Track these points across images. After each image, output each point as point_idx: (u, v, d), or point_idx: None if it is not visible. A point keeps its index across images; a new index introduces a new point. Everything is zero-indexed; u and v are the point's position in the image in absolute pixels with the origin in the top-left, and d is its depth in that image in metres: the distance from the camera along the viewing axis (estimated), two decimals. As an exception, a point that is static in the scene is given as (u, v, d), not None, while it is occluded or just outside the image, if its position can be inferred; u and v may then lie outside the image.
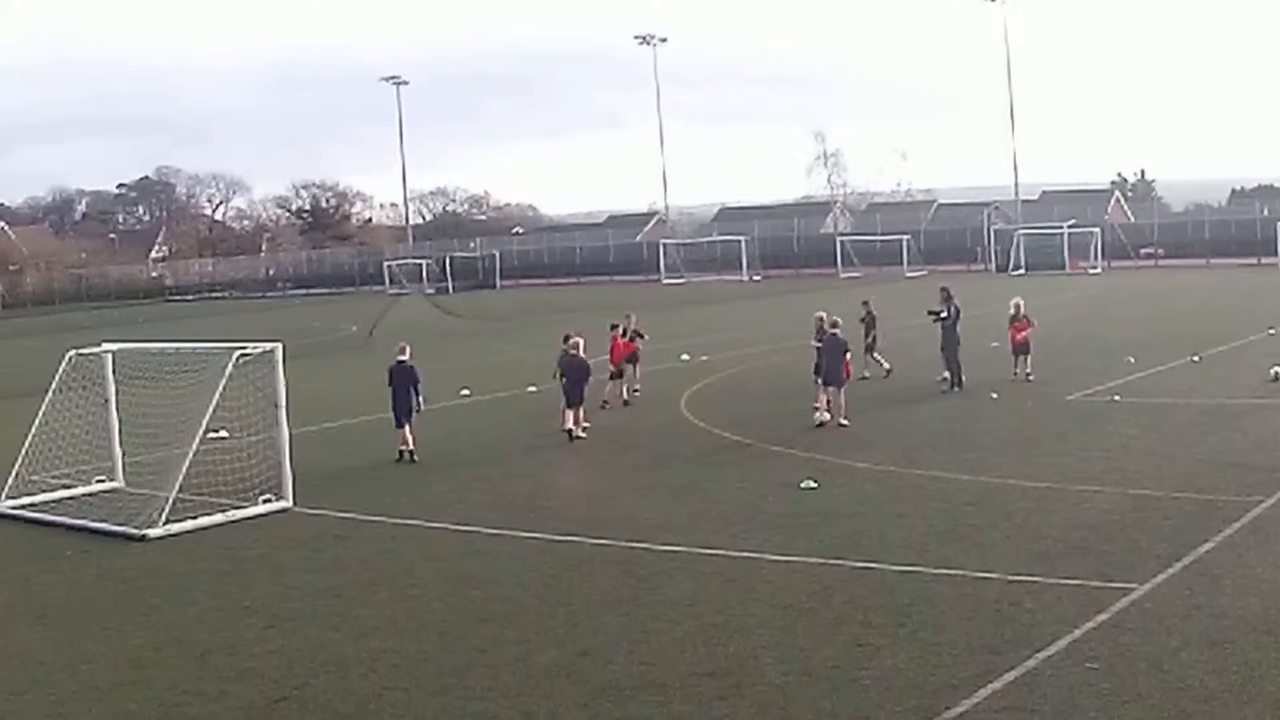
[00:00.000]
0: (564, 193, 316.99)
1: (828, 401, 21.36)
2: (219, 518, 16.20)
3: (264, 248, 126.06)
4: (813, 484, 16.43)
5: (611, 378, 24.87)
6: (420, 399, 20.24)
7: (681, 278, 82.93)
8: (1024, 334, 25.28)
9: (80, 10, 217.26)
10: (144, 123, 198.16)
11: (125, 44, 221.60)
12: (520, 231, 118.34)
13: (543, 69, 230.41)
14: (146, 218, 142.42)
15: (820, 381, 21.60)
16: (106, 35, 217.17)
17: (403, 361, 20.30)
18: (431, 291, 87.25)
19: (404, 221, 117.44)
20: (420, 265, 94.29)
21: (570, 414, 21.41)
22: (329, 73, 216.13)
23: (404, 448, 20.06)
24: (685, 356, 31.55)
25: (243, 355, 16.74)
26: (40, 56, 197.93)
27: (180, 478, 16.00)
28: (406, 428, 20.08)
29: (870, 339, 26.63)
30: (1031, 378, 24.80)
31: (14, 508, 17.60)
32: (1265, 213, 73.61)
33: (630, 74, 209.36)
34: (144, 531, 15.52)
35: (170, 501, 15.75)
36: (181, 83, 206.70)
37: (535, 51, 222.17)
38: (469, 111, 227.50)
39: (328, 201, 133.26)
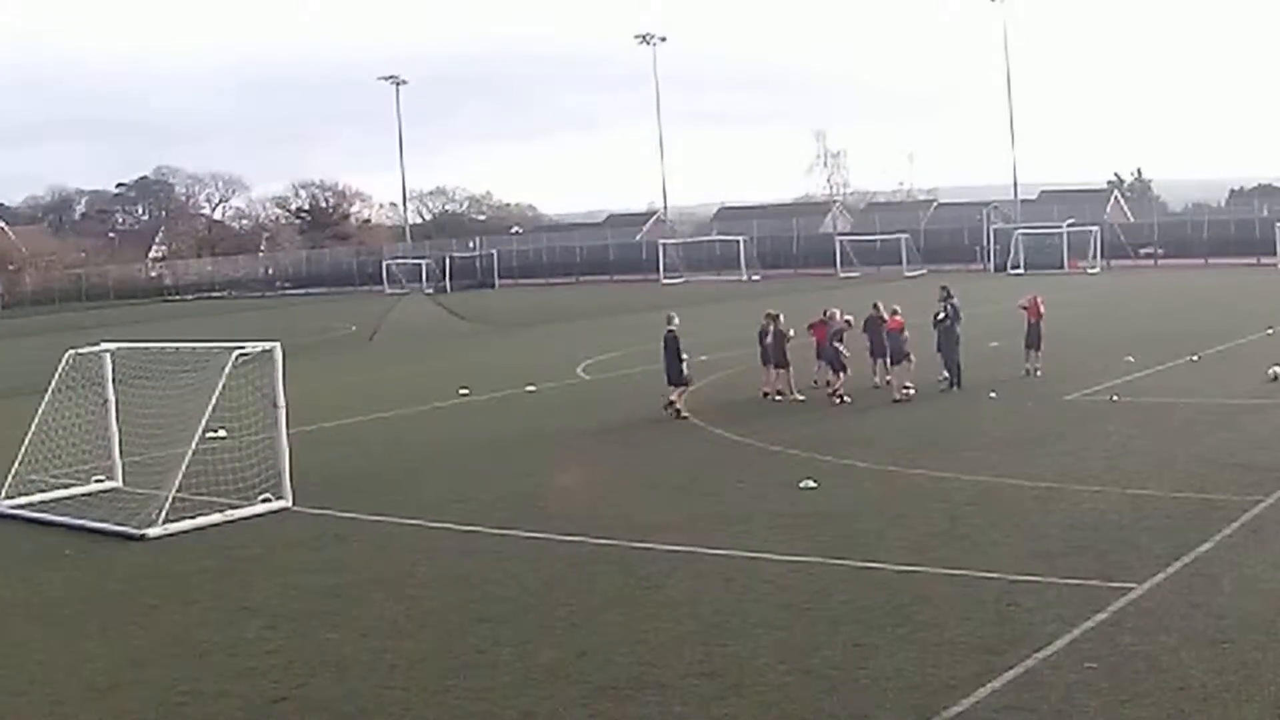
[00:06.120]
0: (563, 192, 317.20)
1: (887, 378, 23.91)
2: (218, 517, 16.19)
3: (263, 247, 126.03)
4: (812, 484, 16.42)
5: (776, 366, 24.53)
6: (686, 363, 22.84)
7: (680, 277, 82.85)
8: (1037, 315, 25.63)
9: (73, 7, 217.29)
10: (140, 123, 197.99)
11: (121, 44, 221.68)
12: (519, 231, 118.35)
13: (542, 69, 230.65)
14: (145, 217, 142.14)
15: (888, 362, 23.93)
16: (102, 36, 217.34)
17: (671, 330, 22.79)
18: (430, 291, 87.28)
19: (403, 221, 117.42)
20: (419, 265, 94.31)
21: (838, 380, 23.37)
22: (325, 73, 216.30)
23: (673, 400, 22.53)
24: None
25: (242, 355, 16.73)
26: (34, 56, 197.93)
27: (179, 477, 16.00)
28: (678, 389, 22.63)
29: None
30: (1040, 373, 24.88)
31: (13, 507, 17.59)
32: (1264, 212, 73.65)
33: (630, 74, 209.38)
34: (143, 531, 15.51)
35: (169, 501, 15.74)
36: (179, 83, 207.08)
37: (533, 51, 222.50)
38: (467, 111, 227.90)
39: (326, 201, 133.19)
